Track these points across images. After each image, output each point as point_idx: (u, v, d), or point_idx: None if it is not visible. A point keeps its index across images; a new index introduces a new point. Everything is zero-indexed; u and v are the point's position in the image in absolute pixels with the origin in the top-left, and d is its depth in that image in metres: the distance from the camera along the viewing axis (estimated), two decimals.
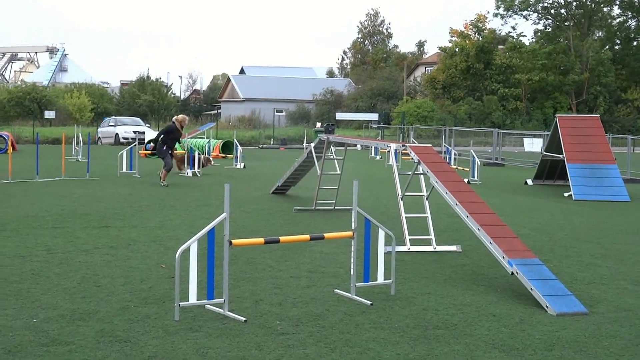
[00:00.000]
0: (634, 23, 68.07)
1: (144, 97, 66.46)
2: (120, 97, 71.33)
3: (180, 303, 6.86)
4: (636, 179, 24.28)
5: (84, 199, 15.78)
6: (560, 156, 20.42)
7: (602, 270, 9.63)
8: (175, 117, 19.84)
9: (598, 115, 22.98)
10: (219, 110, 78.60)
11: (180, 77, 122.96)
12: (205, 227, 6.89)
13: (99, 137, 44.39)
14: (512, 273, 8.23)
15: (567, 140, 20.17)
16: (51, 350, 5.93)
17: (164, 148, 19.07)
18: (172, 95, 75.04)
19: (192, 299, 6.88)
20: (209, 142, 31.19)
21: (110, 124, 45.07)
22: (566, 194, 19.13)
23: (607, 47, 67.19)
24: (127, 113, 60.68)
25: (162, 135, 19.41)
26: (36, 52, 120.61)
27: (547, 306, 7.50)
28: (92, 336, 6.30)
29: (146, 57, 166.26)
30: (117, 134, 42.93)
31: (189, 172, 22.80)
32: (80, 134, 30.70)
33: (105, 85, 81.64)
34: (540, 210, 16.10)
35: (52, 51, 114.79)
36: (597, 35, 68.29)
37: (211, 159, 26.23)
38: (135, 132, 39.07)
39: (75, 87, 66.25)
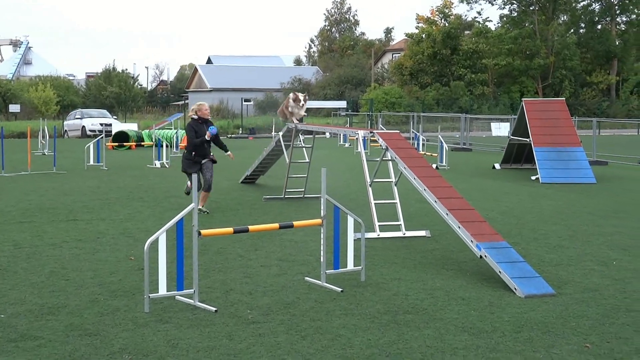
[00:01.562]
0: (598, 6, 68.63)
1: (111, 89, 65.95)
2: (86, 90, 70.70)
3: (150, 295, 6.83)
4: (602, 161, 24.54)
5: (51, 193, 15.64)
6: (527, 140, 20.57)
7: (569, 252, 9.74)
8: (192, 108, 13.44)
9: (564, 98, 23.17)
10: (186, 101, 78.13)
11: (147, 68, 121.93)
12: (173, 218, 6.87)
13: (66, 130, 43.98)
14: (481, 257, 8.30)
15: (534, 124, 20.32)
16: (20, 345, 5.88)
17: (192, 156, 12.81)
18: (139, 87, 74.50)
19: (162, 290, 6.86)
20: (177, 132, 31.02)
21: (76, 116, 44.66)
22: (533, 177, 19.30)
23: (572, 31, 67.73)
24: (94, 105, 60.15)
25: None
26: None
27: (515, 288, 7.58)
28: (61, 330, 6.26)
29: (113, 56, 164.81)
30: (83, 126, 42.55)
31: (157, 163, 22.67)
32: (46, 128, 30.38)
33: (71, 78, 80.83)
34: (508, 193, 16.23)
35: (15, 44, 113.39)
36: (562, 19, 68.76)
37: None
38: (102, 125, 38.81)
39: (40, 80, 65.56)
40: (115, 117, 48.48)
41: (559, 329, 6.40)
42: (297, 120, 14.51)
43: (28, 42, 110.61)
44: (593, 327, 6.45)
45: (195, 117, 12.94)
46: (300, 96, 14.35)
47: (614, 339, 6.13)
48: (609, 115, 60.32)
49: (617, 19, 68.61)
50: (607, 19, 68.40)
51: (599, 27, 68.91)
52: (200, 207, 12.17)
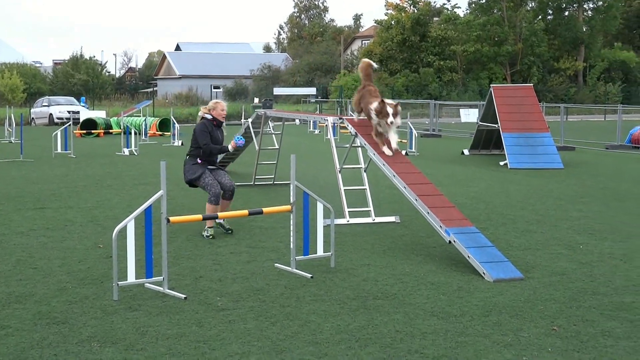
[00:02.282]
0: None
1: (78, 77, 65.29)
2: (53, 77, 69.92)
3: (119, 282, 6.80)
4: (569, 147, 24.77)
5: (18, 181, 15.47)
6: (496, 126, 20.70)
7: (537, 236, 9.83)
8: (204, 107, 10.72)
9: (532, 84, 23.34)
10: (155, 88, 77.62)
11: (115, 55, 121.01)
12: (142, 205, 6.83)
13: (33, 118, 43.53)
14: (450, 242, 8.34)
15: (502, 110, 20.44)
16: None
17: (197, 161, 10.22)
18: (107, 74, 73.83)
19: (131, 278, 6.82)
20: (145, 120, 30.81)
21: (43, 104, 44.21)
22: (502, 163, 19.43)
23: (540, 17, 68.11)
24: (61, 93, 59.47)
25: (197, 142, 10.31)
26: None
27: (484, 273, 7.63)
28: (29, 319, 6.21)
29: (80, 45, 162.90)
30: (51, 114, 42.13)
31: (126, 151, 22.52)
32: (12, 115, 30.03)
33: (38, 65, 79.86)
34: (477, 179, 16.33)
35: None
36: (530, 5, 69.10)
37: None
38: (69, 112, 38.45)
39: (7, 67, 64.68)
40: (84, 104, 48.02)
41: (527, 312, 6.46)
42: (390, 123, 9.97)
43: None
44: (560, 311, 6.52)
45: (209, 117, 10.27)
46: (389, 108, 9.98)
47: (580, 322, 6.21)
48: (576, 101, 60.83)
49: (584, 6, 69.09)
50: (574, 5, 68.85)
51: (566, 13, 69.37)
52: (221, 221, 9.96)
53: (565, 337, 5.84)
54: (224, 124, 10.40)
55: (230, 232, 9.98)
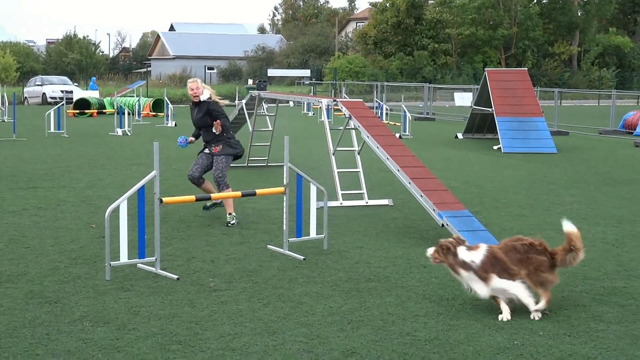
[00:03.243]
0: None
1: (72, 56, 65.01)
2: (46, 56, 69.60)
3: (111, 262, 6.79)
4: (563, 131, 24.78)
5: (10, 160, 15.43)
6: (490, 110, 20.70)
7: (529, 221, 9.85)
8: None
9: (526, 69, 23.38)
10: (149, 68, 77.32)
11: (109, 34, 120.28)
12: (135, 185, 6.81)
13: (26, 97, 43.33)
14: (443, 225, 8.36)
15: (496, 94, 20.44)
16: None
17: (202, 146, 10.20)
18: (101, 54, 73.52)
19: (123, 258, 6.82)
20: (139, 100, 30.71)
21: (36, 83, 44.01)
22: (495, 147, 19.44)
23: (535, 1, 67.94)
24: (55, 72, 59.26)
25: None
26: None
27: None
28: (21, 298, 6.20)
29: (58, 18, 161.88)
30: (44, 93, 41.96)
31: (119, 131, 22.45)
32: (5, 94, 29.90)
33: (31, 44, 79.45)
34: (471, 163, 16.34)
35: None
36: None
37: None
38: (62, 92, 38.27)
39: None
40: (76, 84, 47.84)
41: None
42: None
43: None
44: (552, 295, 6.53)
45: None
46: None
47: (572, 306, 6.23)
48: (571, 85, 60.81)
49: None
50: None
51: None
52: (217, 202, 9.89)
53: (556, 321, 5.86)
54: (199, 100, 9.75)
55: (211, 208, 9.97)
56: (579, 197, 11.83)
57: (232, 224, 9.28)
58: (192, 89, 9.73)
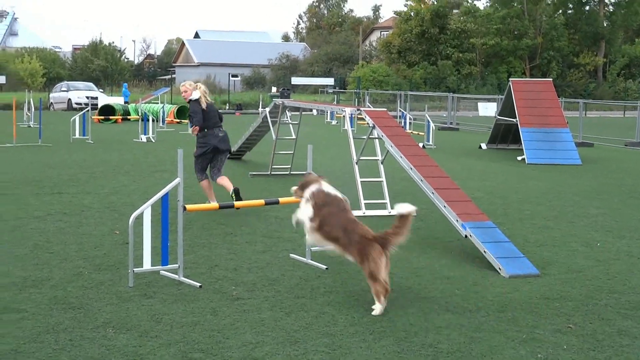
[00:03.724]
0: None
1: (97, 62, 65.50)
2: (72, 62, 70.17)
3: (135, 269, 6.82)
4: (588, 143, 24.62)
5: (35, 166, 15.55)
6: (514, 120, 20.59)
7: (553, 233, 9.78)
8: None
9: (551, 79, 23.21)
10: (173, 75, 77.70)
11: (134, 41, 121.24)
12: (159, 193, 6.84)
13: (51, 103, 43.72)
14: (466, 236, 8.31)
15: (521, 105, 20.34)
16: (3, 318, 5.86)
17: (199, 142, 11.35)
18: (126, 60, 74.02)
19: (147, 265, 6.84)
20: (163, 107, 30.86)
21: (62, 89, 44.38)
22: (519, 158, 19.34)
23: (560, 11, 67.67)
24: (80, 78, 59.70)
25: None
26: None
27: (499, 268, 7.60)
28: (45, 303, 6.24)
29: (85, 20, 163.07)
30: (69, 99, 42.31)
31: (144, 138, 22.57)
32: (31, 100, 30.15)
33: (57, 50, 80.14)
34: (494, 173, 16.26)
35: (1, 15, 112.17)
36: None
37: None
38: (88, 98, 38.55)
39: (26, 51, 64.98)
40: (101, 90, 48.18)
41: (543, 309, 6.43)
42: None
43: (14, 13, 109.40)
44: (576, 308, 6.48)
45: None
46: None
47: (597, 320, 6.17)
48: (596, 96, 60.46)
49: (606, 1, 68.58)
50: (596, 0, 68.35)
51: (587, 8, 68.89)
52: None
53: (580, 335, 5.81)
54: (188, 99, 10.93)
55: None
56: (603, 210, 11.73)
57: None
58: (182, 92, 11.09)
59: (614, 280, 7.47)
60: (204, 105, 10.89)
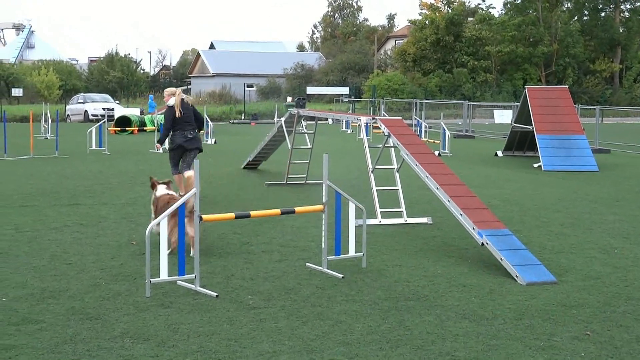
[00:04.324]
0: None
1: (113, 74, 65.87)
2: (88, 74, 70.60)
3: (152, 279, 6.84)
4: (604, 149, 24.51)
5: (53, 177, 15.64)
6: (530, 127, 20.54)
7: (570, 240, 9.73)
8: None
9: (567, 86, 23.15)
10: (189, 86, 78.03)
11: (150, 52, 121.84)
12: (175, 203, 6.86)
13: (68, 115, 43.98)
14: (482, 244, 8.29)
15: (537, 112, 20.28)
16: (21, 329, 5.89)
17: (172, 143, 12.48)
18: (142, 72, 74.41)
19: (163, 275, 6.86)
20: None
21: (79, 101, 44.66)
22: (536, 165, 19.27)
23: (576, 18, 67.50)
24: (96, 90, 60.07)
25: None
26: (2, 29, 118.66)
27: (516, 276, 7.57)
28: (62, 314, 6.27)
29: (107, 36, 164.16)
30: (86, 111, 42.56)
31: (160, 149, 22.64)
32: (48, 112, 30.37)
33: (74, 62, 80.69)
34: (510, 181, 16.21)
35: (18, 28, 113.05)
36: (566, 6, 68.54)
37: None
38: (104, 109, 38.76)
39: (43, 64, 65.42)
40: (117, 101, 48.44)
41: (560, 316, 6.40)
42: None
43: (31, 26, 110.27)
44: (594, 315, 6.45)
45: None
46: None
47: (614, 327, 6.13)
48: (612, 103, 60.22)
49: (621, 7, 68.34)
50: (611, 6, 68.13)
51: (603, 14, 68.65)
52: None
53: (599, 342, 5.78)
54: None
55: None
56: (621, 216, 11.67)
57: None
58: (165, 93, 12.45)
59: (632, 286, 7.42)
60: (177, 112, 11.81)
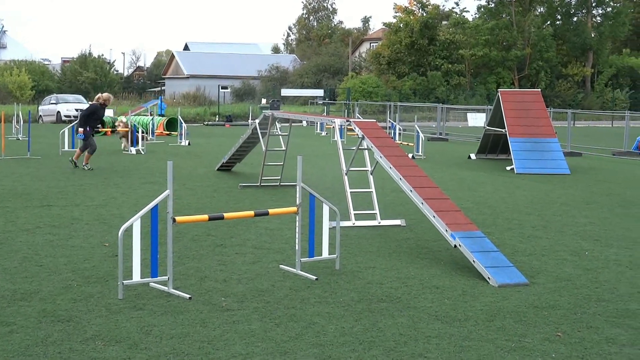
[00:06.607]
0: None
1: (86, 75, 65.40)
2: (61, 75, 70.04)
3: (124, 281, 6.81)
4: (576, 152, 24.73)
5: (25, 178, 15.51)
6: (503, 130, 20.68)
7: (542, 242, 9.82)
8: (98, 95, 18.02)
9: (539, 89, 23.32)
10: (163, 87, 77.74)
11: (123, 53, 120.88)
12: (148, 205, 6.84)
13: (40, 115, 43.62)
14: (455, 246, 8.34)
15: (510, 115, 20.43)
16: None
17: (87, 130, 17.32)
18: (115, 73, 73.94)
19: (136, 277, 6.83)
20: (152, 119, 30.85)
21: (51, 101, 44.30)
22: (508, 168, 19.41)
23: (549, 22, 68.00)
24: (69, 91, 59.60)
25: (85, 117, 17.49)
26: None
27: (489, 278, 7.63)
28: (34, 316, 6.22)
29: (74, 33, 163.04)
30: (58, 111, 42.24)
31: (133, 150, 22.55)
32: (20, 112, 30.08)
33: (46, 63, 79.96)
34: (483, 183, 16.32)
35: None
36: (539, 11, 69.03)
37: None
38: (77, 110, 38.49)
39: (15, 64, 64.80)
40: (90, 102, 48.09)
41: (532, 318, 6.46)
42: None
43: (3, 26, 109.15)
44: (565, 317, 6.51)
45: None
46: None
47: (585, 328, 6.20)
48: (584, 107, 60.77)
49: (593, 12, 68.99)
50: (583, 11, 68.75)
51: (575, 19, 69.24)
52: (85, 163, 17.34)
53: (569, 343, 5.84)
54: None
55: (90, 169, 17.00)
56: (592, 219, 11.79)
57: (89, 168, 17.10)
58: (111, 99, 17.96)
59: (602, 288, 7.51)
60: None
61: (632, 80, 67.96)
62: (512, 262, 8.12)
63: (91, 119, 17.50)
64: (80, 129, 17.28)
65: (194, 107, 55.14)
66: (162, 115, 37.51)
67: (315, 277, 7.65)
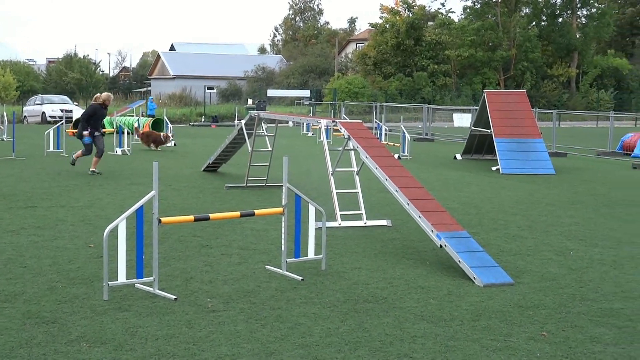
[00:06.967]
0: (559, 0, 69.31)
1: (72, 75, 65.16)
2: (47, 75, 69.77)
3: (109, 282, 6.78)
4: (561, 153, 24.83)
5: (9, 179, 15.44)
6: (488, 131, 20.74)
7: (527, 242, 9.85)
8: (97, 95, 17.02)
9: (525, 90, 23.41)
10: (149, 88, 77.53)
11: (109, 54, 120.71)
12: (133, 206, 6.82)
13: (25, 116, 43.43)
14: (441, 246, 8.36)
15: (495, 115, 20.49)
16: None
17: (90, 131, 16.58)
18: (101, 73, 73.71)
19: (121, 278, 6.81)
20: (138, 120, 30.75)
21: (36, 102, 44.13)
22: (494, 168, 19.47)
23: (534, 23, 68.33)
24: (55, 91, 59.37)
25: (87, 119, 16.61)
26: None
27: (474, 278, 7.65)
28: (18, 318, 6.19)
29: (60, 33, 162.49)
30: (43, 112, 42.08)
31: (119, 151, 22.48)
32: (5, 113, 29.94)
33: (31, 63, 79.70)
34: (469, 184, 16.36)
35: None
36: (524, 11, 69.34)
37: (170, 135, 25.48)
38: (62, 111, 38.37)
39: (0, 64, 64.52)
40: (76, 103, 47.96)
41: (517, 317, 6.48)
42: None
43: None
44: (550, 316, 6.54)
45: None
46: None
47: (569, 328, 6.23)
48: (569, 107, 61.07)
49: (578, 12, 69.34)
50: (568, 12, 69.12)
51: (560, 20, 69.59)
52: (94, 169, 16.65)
53: (554, 342, 5.86)
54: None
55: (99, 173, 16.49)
56: (577, 219, 11.84)
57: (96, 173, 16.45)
58: (111, 99, 17.07)
59: (587, 288, 7.54)
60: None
61: (617, 80, 68.39)
62: (498, 262, 8.15)
63: (93, 119, 16.66)
64: (85, 132, 16.36)
65: (180, 107, 55.07)
66: (152, 116, 37.40)
67: (301, 278, 7.65)
